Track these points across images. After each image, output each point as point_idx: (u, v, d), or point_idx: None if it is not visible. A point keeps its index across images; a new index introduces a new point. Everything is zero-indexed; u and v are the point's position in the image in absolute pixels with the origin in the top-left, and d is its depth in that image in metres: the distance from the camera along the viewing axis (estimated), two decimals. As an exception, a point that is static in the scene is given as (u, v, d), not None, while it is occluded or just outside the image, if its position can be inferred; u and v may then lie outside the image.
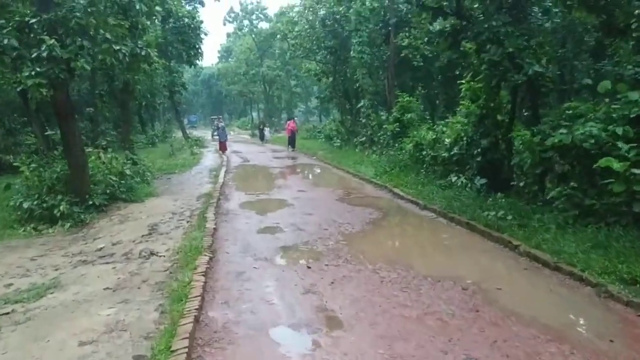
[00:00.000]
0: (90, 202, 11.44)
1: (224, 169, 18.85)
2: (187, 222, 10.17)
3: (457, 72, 22.41)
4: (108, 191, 12.11)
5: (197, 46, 30.21)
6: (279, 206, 11.66)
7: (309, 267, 6.77)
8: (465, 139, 12.17)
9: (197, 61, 32.40)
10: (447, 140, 13.10)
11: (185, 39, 28.80)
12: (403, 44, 19.80)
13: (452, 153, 12.49)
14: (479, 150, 11.29)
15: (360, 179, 15.69)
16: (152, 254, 7.95)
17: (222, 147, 27.53)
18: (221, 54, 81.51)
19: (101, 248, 8.82)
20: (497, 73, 9.26)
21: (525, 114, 11.97)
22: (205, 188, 14.48)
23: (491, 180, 11.15)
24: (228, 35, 68.27)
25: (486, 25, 9.21)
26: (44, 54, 9.26)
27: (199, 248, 7.50)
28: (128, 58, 10.94)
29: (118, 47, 10.10)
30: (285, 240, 8.36)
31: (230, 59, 71.57)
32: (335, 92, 27.46)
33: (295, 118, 32.99)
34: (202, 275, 6.22)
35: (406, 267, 6.73)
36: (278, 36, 36.71)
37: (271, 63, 50.59)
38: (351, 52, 20.87)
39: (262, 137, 36.86)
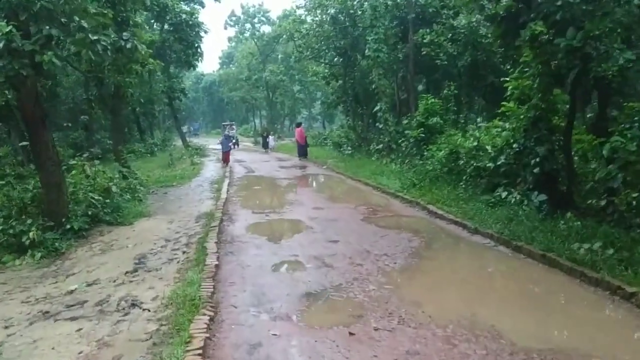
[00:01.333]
0: (68, 227, 9.49)
1: (226, 182, 16.88)
2: (183, 252, 8.19)
3: (483, 72, 20.67)
4: (90, 212, 10.14)
5: (196, 45, 28.18)
6: (294, 229, 9.66)
7: (351, 334, 4.75)
8: (515, 146, 10.20)
9: (197, 62, 30.38)
10: (489, 148, 11.14)
11: (183, 37, 26.77)
12: (424, 40, 17.88)
13: (498, 163, 10.51)
14: (537, 159, 9.29)
15: (383, 192, 13.69)
16: (133, 304, 5.97)
17: (225, 158, 24.82)
18: (222, 60, 79.88)
19: (72, 291, 6.88)
20: (577, 62, 7.26)
21: (589, 115, 10.05)
22: (205, 205, 12.50)
23: (549, 196, 9.20)
24: (229, 39, 66.57)
25: (559, 3, 7.24)
26: (0, 45, 7.34)
27: (195, 301, 5.47)
28: (110, 52, 8.98)
29: (96, 38, 8.12)
30: (309, 284, 6.32)
31: (231, 65, 69.77)
32: (345, 95, 25.52)
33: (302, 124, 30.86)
34: (199, 355, 4.20)
35: (491, 332, 4.71)
36: (284, 36, 34.74)
37: (274, 67, 48.71)
38: (366, 51, 18.93)
39: (265, 145, 34.75)
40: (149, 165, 26.21)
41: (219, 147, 26.27)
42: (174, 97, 32.55)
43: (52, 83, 25.12)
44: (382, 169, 16.96)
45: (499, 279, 6.68)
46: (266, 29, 54.36)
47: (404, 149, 16.53)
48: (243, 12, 54.68)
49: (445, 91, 15.95)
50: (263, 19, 54.37)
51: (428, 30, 18.04)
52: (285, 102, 55.24)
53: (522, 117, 10.27)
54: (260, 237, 9.00)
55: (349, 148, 24.72)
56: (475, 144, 11.39)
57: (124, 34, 9.60)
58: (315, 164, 24.02)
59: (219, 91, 73.84)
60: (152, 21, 28.88)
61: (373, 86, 19.38)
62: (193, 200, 13.47)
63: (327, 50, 24.98)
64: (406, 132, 16.49)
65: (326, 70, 27.83)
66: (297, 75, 49.38)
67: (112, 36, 8.94)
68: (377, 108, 19.02)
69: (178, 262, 7.66)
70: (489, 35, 18.36)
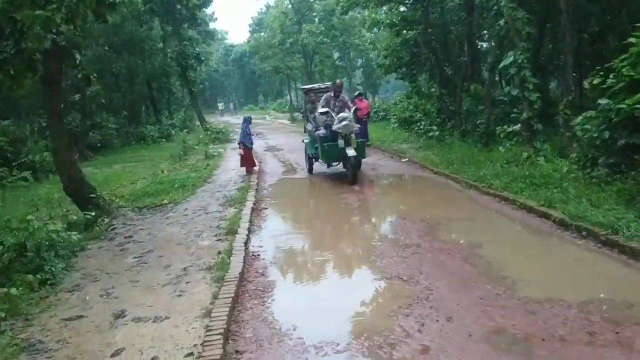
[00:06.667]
0: None
1: (249, 205, 9.10)
2: None
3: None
4: None
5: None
6: None
7: None
8: None
9: (200, 8, 22.40)
10: None
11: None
12: None
13: None
14: None
15: (612, 249, 5.73)
16: None
17: (247, 160, 13.20)
18: (252, 28, 72.01)
19: None
20: None
21: None
22: (188, 311, 4.84)
23: None
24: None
25: None
26: None
27: None
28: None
29: None
30: None
31: (262, 32, 61.78)
32: (427, 49, 17.28)
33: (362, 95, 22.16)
34: None
35: None
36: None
37: (312, 28, 40.27)
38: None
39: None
40: (159, 154, 19.48)
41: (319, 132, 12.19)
42: (187, 65, 24.93)
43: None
44: (539, 174, 8.90)
45: None
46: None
47: (595, 134, 8.17)
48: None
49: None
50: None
51: None
52: (325, 70, 46.92)
53: None
54: None
55: (435, 128, 16.58)
56: None
57: None
58: (384, 153, 16.10)
59: (250, 63, 66.84)
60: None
61: (501, 22, 11.04)
62: (167, 279, 5.79)
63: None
64: (599, 101, 8.19)
65: (395, 16, 19.62)
66: (341, 37, 40.93)
67: None
68: (508, 60, 10.71)
69: None
70: None
